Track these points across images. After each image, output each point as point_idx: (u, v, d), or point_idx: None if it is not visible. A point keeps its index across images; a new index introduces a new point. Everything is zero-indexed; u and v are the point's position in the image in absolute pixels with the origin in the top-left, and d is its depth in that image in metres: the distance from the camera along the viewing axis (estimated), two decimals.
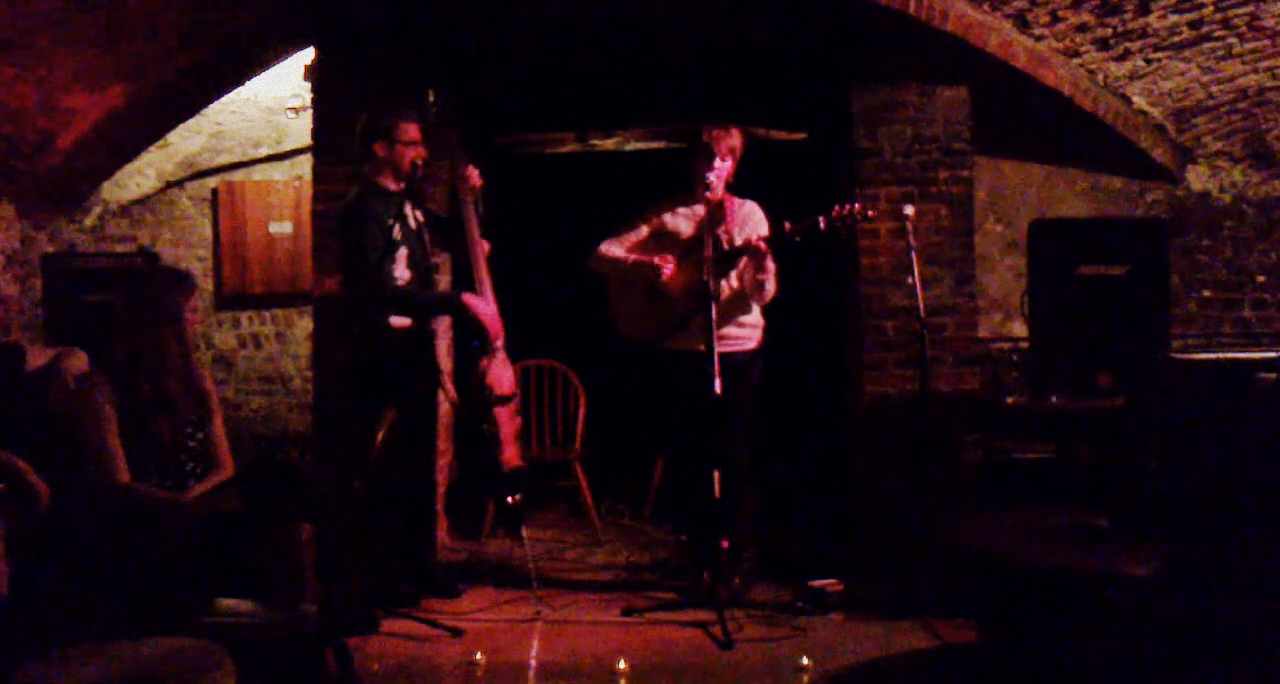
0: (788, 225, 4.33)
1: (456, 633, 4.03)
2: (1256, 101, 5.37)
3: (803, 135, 5.69)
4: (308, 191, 5.57)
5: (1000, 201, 5.74)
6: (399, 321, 4.33)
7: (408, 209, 4.34)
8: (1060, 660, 3.04)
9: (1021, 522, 3.59)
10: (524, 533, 4.71)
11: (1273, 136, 5.57)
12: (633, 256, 4.56)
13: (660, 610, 4.28)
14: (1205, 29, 4.92)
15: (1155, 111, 5.49)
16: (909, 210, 4.47)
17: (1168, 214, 5.69)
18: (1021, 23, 4.96)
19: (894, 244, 5.01)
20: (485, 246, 4.49)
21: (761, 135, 5.35)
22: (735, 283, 4.46)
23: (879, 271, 5.09)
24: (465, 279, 4.58)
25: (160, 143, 6.20)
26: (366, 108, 4.51)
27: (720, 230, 4.41)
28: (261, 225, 6.48)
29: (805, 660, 3.70)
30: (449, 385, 4.58)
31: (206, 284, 6.50)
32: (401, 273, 4.30)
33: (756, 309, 4.54)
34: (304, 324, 6.44)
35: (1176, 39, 5.00)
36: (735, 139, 4.48)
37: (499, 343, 4.42)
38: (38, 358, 3.75)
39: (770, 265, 4.37)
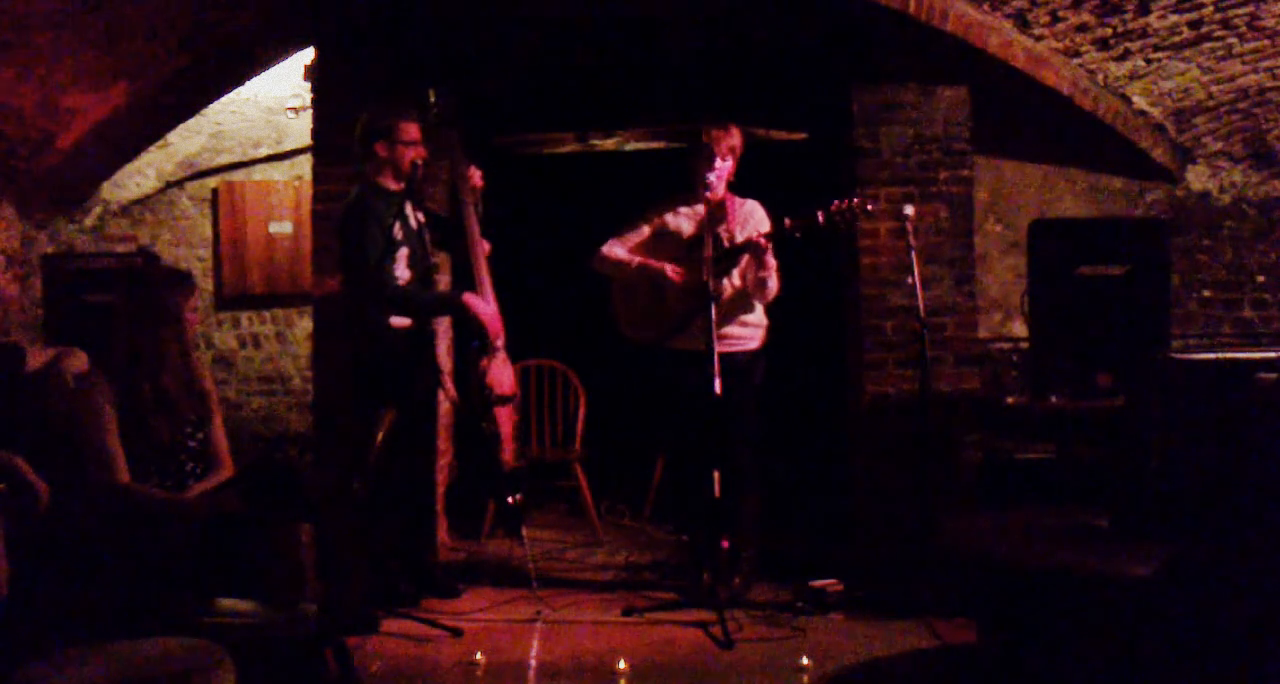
0: (787, 222, 4.34)
1: (456, 633, 4.03)
2: (1256, 101, 5.37)
3: (803, 135, 5.69)
4: (308, 191, 5.57)
5: (1000, 201, 5.74)
6: (399, 321, 4.33)
7: (408, 209, 4.34)
8: (1060, 660, 3.04)
9: (1021, 522, 3.59)
10: (524, 533, 4.71)
11: (1273, 136, 5.57)
12: (637, 259, 4.56)
13: (660, 610, 4.28)
14: (1205, 29, 4.92)
15: (1155, 111, 5.49)
16: (909, 210, 4.47)
17: (1168, 214, 5.69)
18: (1021, 23, 4.96)
19: (894, 244, 5.00)
20: (485, 246, 4.49)
21: (761, 135, 5.35)
22: (738, 281, 4.46)
23: (879, 271, 5.09)
24: (465, 279, 4.58)
25: (160, 143, 6.20)
26: (367, 108, 4.51)
27: (721, 229, 4.41)
28: (261, 225, 6.48)
29: (805, 660, 3.70)
30: (449, 385, 4.59)
31: (206, 284, 6.49)
32: (402, 273, 4.30)
33: (760, 308, 4.54)
34: (304, 324, 6.43)
35: (1176, 39, 5.00)
36: (735, 138, 4.48)
37: (499, 343, 4.43)
38: (38, 358, 3.75)
39: (771, 262, 4.37)
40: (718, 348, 4.29)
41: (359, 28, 5.13)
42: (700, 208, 4.44)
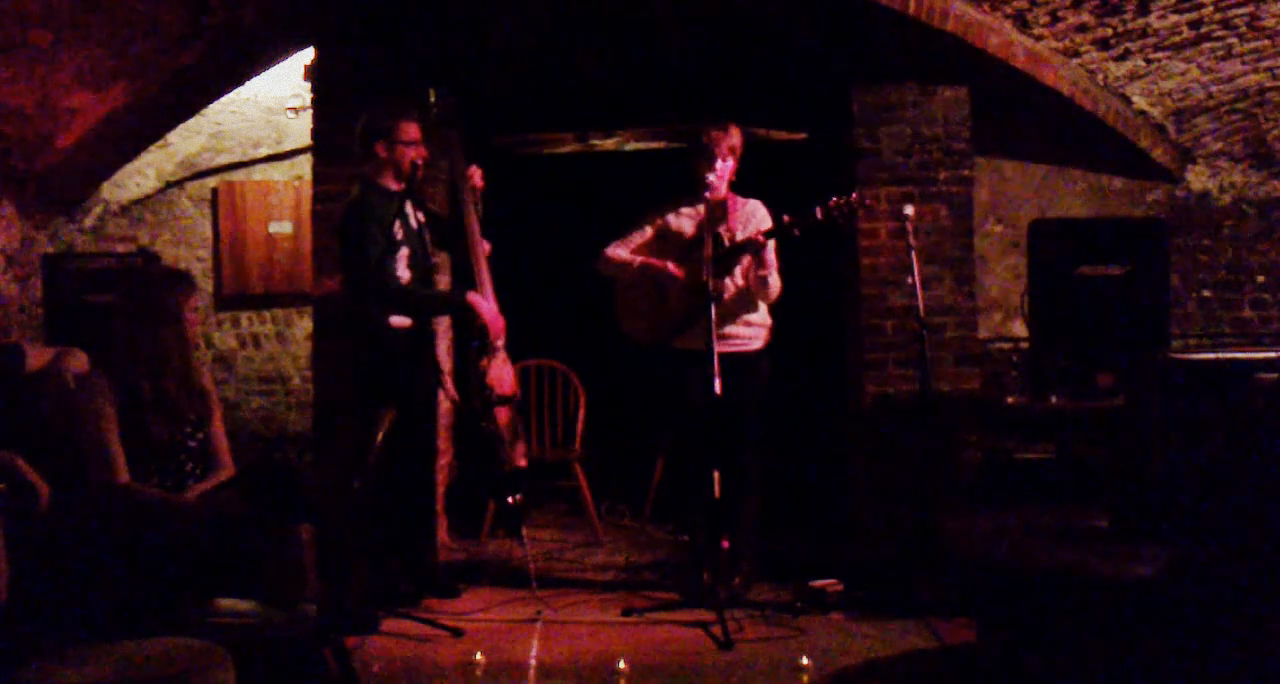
0: (786, 218, 4.35)
1: (456, 633, 4.03)
2: (1256, 101, 5.38)
3: (803, 135, 5.69)
4: (308, 191, 5.57)
5: (1000, 201, 5.74)
6: (399, 321, 4.33)
7: (408, 209, 4.34)
8: (1060, 660, 3.04)
9: (1021, 522, 3.59)
10: (524, 533, 4.71)
11: (1273, 136, 5.57)
12: (639, 258, 4.56)
13: (660, 610, 4.28)
14: (1205, 29, 4.92)
15: (1155, 111, 5.49)
16: (909, 210, 4.47)
17: (1168, 214, 5.69)
18: (1021, 23, 4.96)
19: (894, 244, 5.01)
20: (486, 246, 4.49)
21: (761, 135, 5.35)
22: (740, 281, 4.45)
23: (879, 272, 5.09)
24: (465, 279, 4.58)
25: (160, 143, 6.19)
26: (367, 108, 4.51)
27: (722, 229, 4.41)
28: (261, 225, 6.48)
29: (805, 660, 3.69)
30: (449, 385, 4.59)
31: (206, 284, 6.49)
32: (402, 273, 4.30)
33: (764, 308, 4.53)
34: (304, 324, 6.44)
35: (1176, 39, 5.00)
36: (735, 138, 4.48)
37: (499, 343, 4.43)
38: (38, 358, 3.74)
39: (771, 260, 4.36)
40: (721, 347, 4.29)
41: (359, 28, 5.14)
42: (702, 208, 4.44)
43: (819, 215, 4.28)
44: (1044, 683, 3.11)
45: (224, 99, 5.87)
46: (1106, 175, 5.76)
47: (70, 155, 5.71)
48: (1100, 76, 5.27)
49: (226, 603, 2.99)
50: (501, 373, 4.44)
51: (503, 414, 4.44)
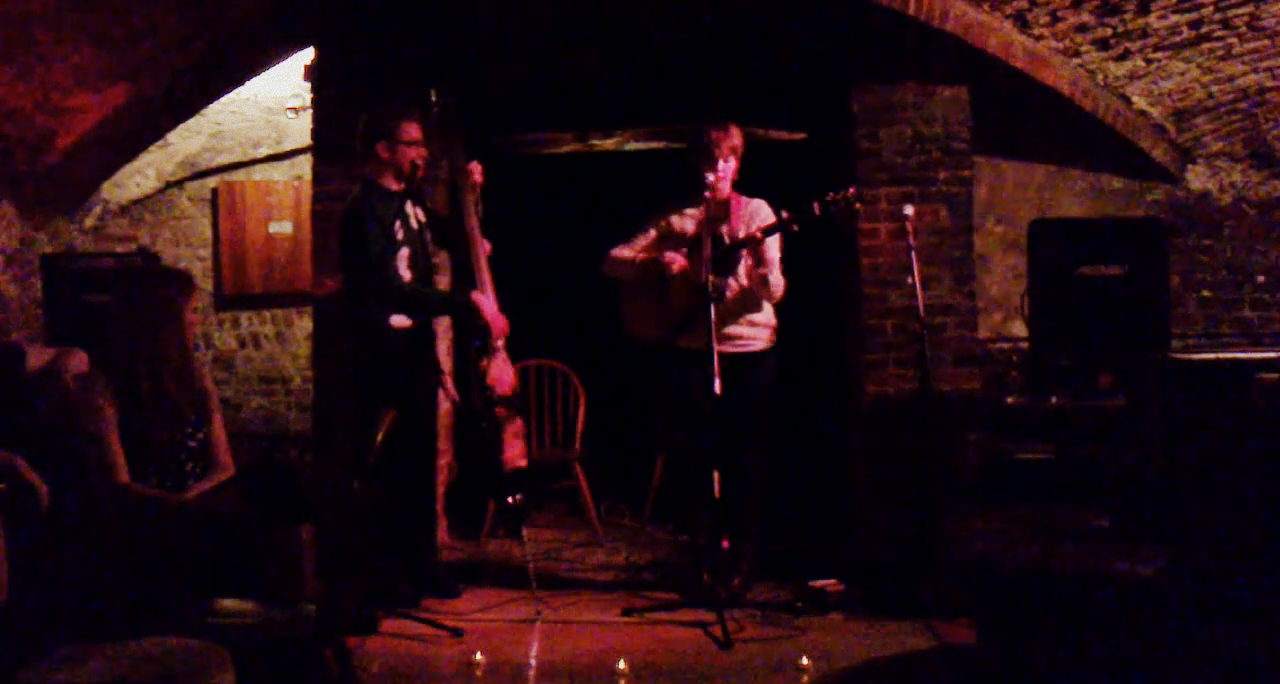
0: (784, 214, 4.36)
1: (456, 633, 4.03)
2: (1256, 101, 5.37)
3: (803, 135, 5.69)
4: (308, 191, 5.57)
5: (1000, 202, 5.74)
6: (399, 321, 4.33)
7: (409, 209, 4.34)
8: (1060, 660, 3.04)
9: (1021, 522, 3.60)
10: (524, 533, 4.70)
11: (1273, 136, 5.57)
12: (641, 256, 4.58)
13: (660, 610, 4.28)
14: (1205, 29, 4.92)
15: (1155, 111, 5.48)
16: (909, 210, 4.47)
17: (1168, 214, 5.69)
18: (1021, 23, 4.96)
19: (894, 244, 5.00)
20: (486, 246, 4.49)
21: (761, 135, 5.35)
22: (744, 281, 4.45)
23: (879, 272, 5.09)
24: (465, 279, 4.58)
25: (160, 143, 6.19)
26: (367, 108, 4.51)
27: (724, 229, 4.41)
28: (261, 225, 6.48)
29: (805, 660, 3.69)
30: (450, 385, 4.59)
31: (206, 284, 6.49)
32: (403, 272, 4.30)
33: (768, 308, 4.52)
34: (304, 324, 6.43)
35: (1176, 39, 5.00)
36: (736, 138, 4.48)
37: (500, 343, 4.43)
38: (38, 358, 3.74)
39: (771, 258, 4.36)
40: (724, 348, 4.30)
41: (359, 28, 5.14)
42: (710, 208, 4.42)
43: (816, 210, 4.28)
44: (1044, 683, 3.11)
45: (224, 99, 5.87)
46: (1106, 175, 5.76)
47: (70, 155, 5.71)
48: (1100, 76, 5.27)
49: (226, 603, 2.99)
50: (502, 373, 4.44)
51: (503, 414, 4.44)
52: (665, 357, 4.56)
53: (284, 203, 6.47)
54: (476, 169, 4.54)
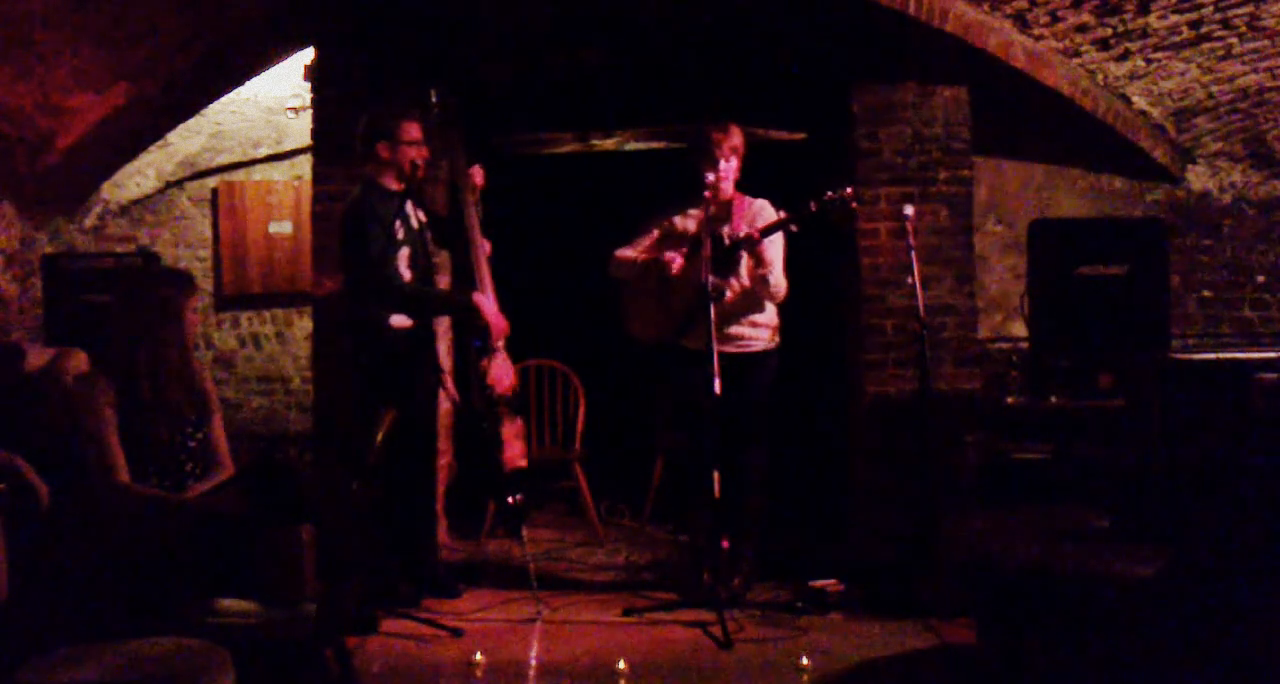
0: (781, 214, 4.36)
1: (456, 633, 4.03)
2: (1256, 101, 5.37)
3: (803, 135, 5.69)
4: (308, 191, 5.57)
5: (1000, 201, 5.74)
6: (399, 321, 4.33)
7: (409, 209, 4.35)
8: (1060, 660, 3.04)
9: (1021, 522, 3.59)
10: (524, 533, 4.71)
11: (1273, 136, 5.57)
12: (643, 256, 4.58)
13: (660, 610, 4.28)
14: (1205, 29, 4.92)
15: (1155, 111, 5.48)
16: (909, 210, 4.47)
17: (1168, 214, 5.69)
18: (1021, 23, 4.96)
19: (894, 244, 5.00)
20: (486, 246, 4.50)
21: (761, 135, 5.35)
22: (746, 281, 4.45)
23: (879, 272, 5.09)
24: (465, 279, 4.58)
25: (160, 143, 6.19)
26: (368, 108, 4.51)
27: (725, 229, 4.41)
28: (261, 225, 6.48)
29: (805, 660, 3.69)
30: (450, 385, 4.59)
31: (206, 284, 6.49)
32: (403, 272, 4.30)
33: (771, 308, 4.52)
34: (304, 324, 6.43)
35: (1176, 39, 5.00)
36: (736, 138, 4.48)
37: (500, 343, 4.43)
38: (38, 358, 3.74)
39: (770, 258, 4.36)
40: (726, 348, 4.30)
41: (359, 28, 5.14)
42: (711, 208, 4.42)
43: (812, 208, 4.29)
44: (1044, 683, 3.11)
45: (224, 99, 5.88)
46: (1106, 175, 5.76)
47: (70, 155, 5.71)
48: (1100, 76, 5.27)
49: (226, 603, 2.99)
50: (502, 373, 4.44)
51: (504, 414, 4.44)
52: (667, 357, 4.56)
53: (284, 203, 6.47)
54: (478, 173, 4.55)
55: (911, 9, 4.78)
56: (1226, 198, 5.78)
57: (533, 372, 5.78)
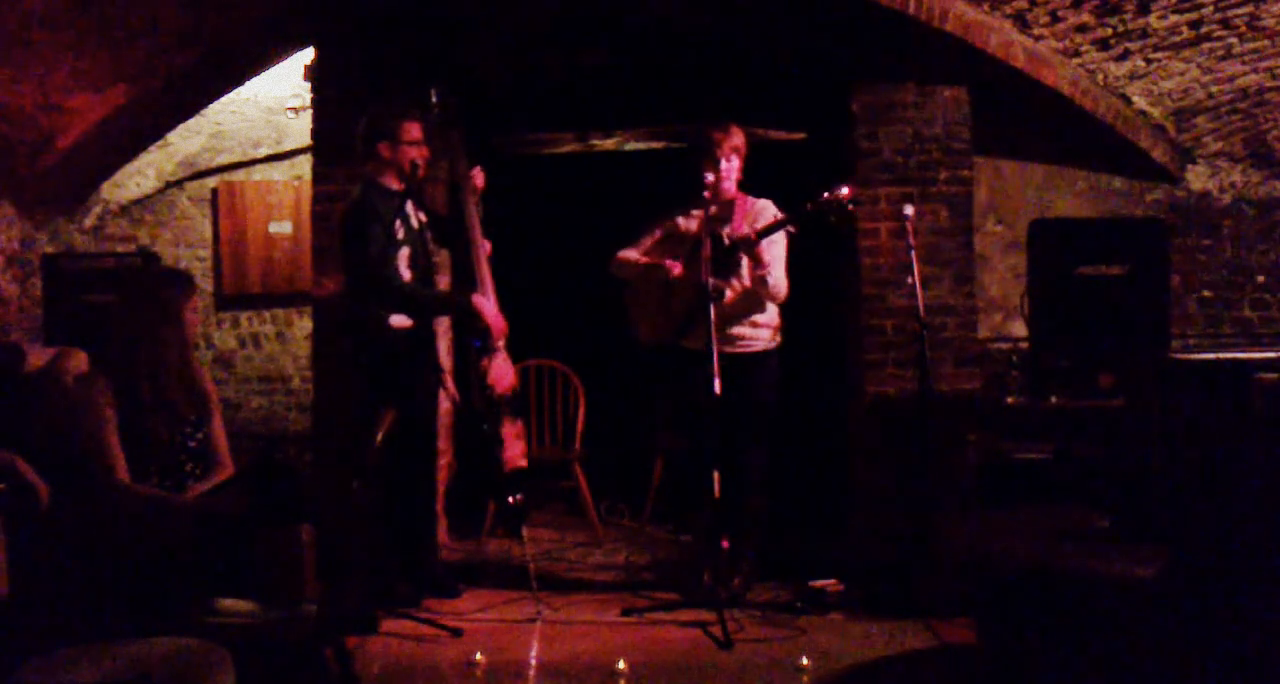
0: (777, 215, 4.36)
1: (456, 633, 4.03)
2: (1256, 101, 5.37)
3: (802, 135, 5.69)
4: (308, 191, 5.57)
5: (1000, 202, 5.74)
6: (399, 321, 4.33)
7: (410, 208, 4.35)
8: (1060, 660, 3.04)
9: (1021, 522, 3.59)
10: (524, 533, 4.71)
11: (1273, 136, 5.57)
12: (645, 259, 4.58)
13: (660, 610, 4.28)
14: (1205, 29, 4.92)
15: (1155, 111, 5.48)
16: (909, 210, 4.47)
17: (1168, 214, 5.69)
18: (1021, 23, 4.95)
19: (894, 244, 5.01)
20: (487, 246, 4.50)
21: (761, 135, 5.35)
22: (747, 281, 4.45)
23: (879, 271, 5.09)
24: (465, 278, 4.58)
25: (160, 143, 6.19)
26: (368, 108, 4.51)
27: (725, 230, 4.41)
28: (261, 225, 6.48)
29: (805, 660, 3.70)
30: (450, 385, 4.59)
31: (206, 284, 6.49)
32: (403, 272, 4.30)
33: (772, 308, 4.52)
34: (304, 324, 6.43)
35: (1176, 39, 5.00)
36: (737, 138, 4.48)
37: (500, 343, 4.43)
38: (38, 358, 3.74)
39: (769, 258, 4.36)
40: (726, 348, 4.30)
41: (359, 28, 5.13)
42: (711, 209, 4.42)
43: (808, 208, 4.29)
44: (1044, 683, 3.11)
45: (224, 99, 5.88)
46: (1106, 175, 5.75)
47: (70, 155, 5.71)
48: (1100, 76, 5.27)
49: (226, 603, 2.98)
50: (502, 373, 4.44)
51: (503, 414, 4.44)
52: (669, 357, 4.56)
53: (284, 203, 6.47)
54: (479, 175, 4.55)
55: (911, 9, 4.78)
56: (1226, 198, 5.78)
57: (533, 372, 5.78)
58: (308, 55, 5.29)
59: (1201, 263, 5.76)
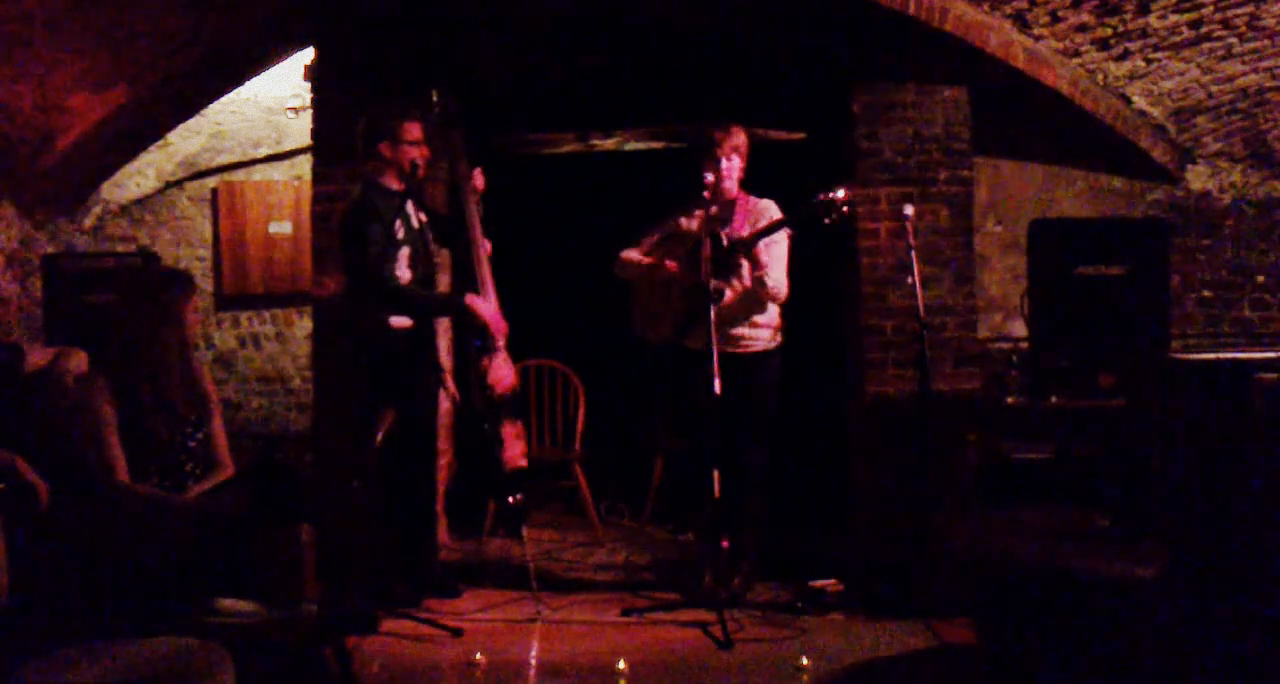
0: (773, 217, 4.36)
1: (456, 633, 4.03)
2: (1256, 101, 5.37)
3: (802, 135, 5.69)
4: (308, 191, 5.56)
5: (1000, 201, 5.74)
6: (399, 321, 4.33)
7: (410, 208, 4.35)
8: (1061, 661, 3.04)
9: (1021, 522, 3.59)
10: (524, 533, 4.71)
11: (1273, 136, 5.57)
12: (647, 259, 4.59)
13: (660, 610, 4.28)
14: (1205, 29, 4.92)
15: (1155, 111, 5.48)
16: (909, 210, 4.46)
17: (1168, 214, 5.69)
18: (1021, 23, 4.95)
19: (894, 244, 5.00)
20: (487, 246, 4.50)
21: (761, 135, 5.35)
22: (747, 281, 4.44)
23: (879, 271, 5.09)
24: (466, 278, 4.58)
25: (160, 143, 6.19)
26: (369, 108, 4.51)
27: (725, 230, 4.41)
28: (261, 225, 6.48)
29: (805, 660, 3.69)
30: (450, 385, 4.59)
31: (206, 284, 6.49)
32: (403, 272, 4.30)
33: (773, 308, 4.52)
34: (304, 324, 6.43)
35: (1176, 39, 5.00)
36: (738, 138, 4.48)
37: (500, 342, 4.43)
38: (38, 358, 3.75)
39: (764, 260, 4.35)
40: (727, 348, 4.30)
41: (359, 28, 5.13)
42: (712, 208, 4.42)
43: (804, 209, 4.29)
44: (1044, 683, 3.11)
45: (224, 99, 5.87)
46: (1106, 175, 5.75)
47: (70, 155, 5.71)
48: (1100, 76, 5.27)
49: (226, 603, 2.99)
50: (502, 373, 4.44)
51: (503, 414, 4.44)
52: (671, 357, 4.57)
53: (284, 203, 6.47)
54: (479, 176, 4.55)
55: (911, 9, 4.78)
56: (1226, 198, 5.78)
57: (533, 372, 5.78)
58: (308, 55, 5.29)
59: (1201, 263, 5.76)
